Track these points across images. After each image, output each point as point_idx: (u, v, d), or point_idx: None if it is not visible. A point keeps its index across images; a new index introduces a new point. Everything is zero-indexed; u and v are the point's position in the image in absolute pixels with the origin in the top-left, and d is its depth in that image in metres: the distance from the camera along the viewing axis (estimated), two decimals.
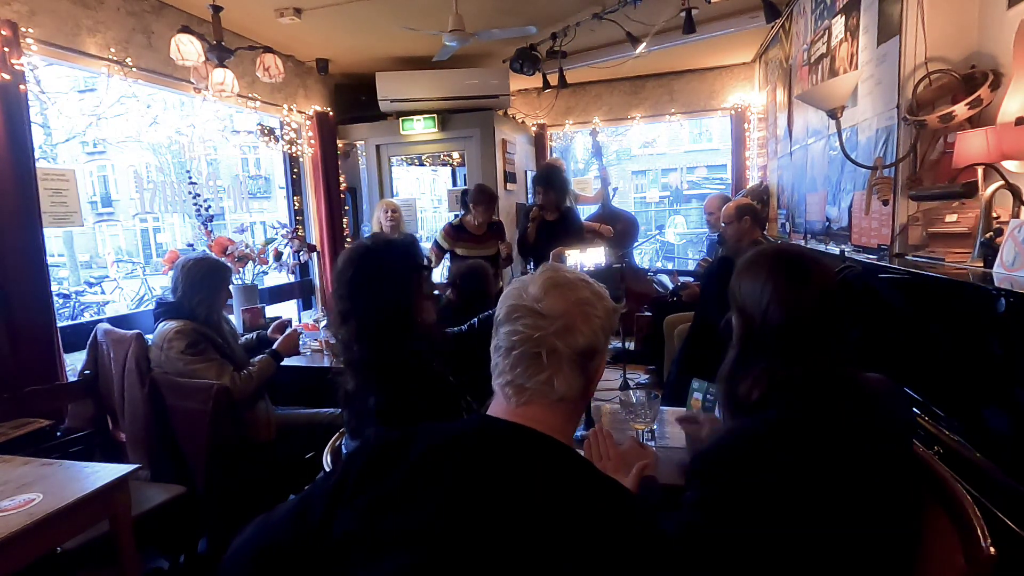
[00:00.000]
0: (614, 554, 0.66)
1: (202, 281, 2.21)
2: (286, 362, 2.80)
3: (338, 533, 0.73)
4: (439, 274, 3.85)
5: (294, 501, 0.81)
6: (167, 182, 3.55)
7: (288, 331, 2.47)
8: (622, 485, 0.77)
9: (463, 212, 3.81)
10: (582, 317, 0.80)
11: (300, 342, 2.52)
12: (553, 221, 3.79)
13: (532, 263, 4.08)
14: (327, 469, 1.41)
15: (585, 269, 1.73)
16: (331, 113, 4.62)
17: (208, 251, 3.26)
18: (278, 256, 3.77)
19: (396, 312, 1.40)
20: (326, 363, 2.81)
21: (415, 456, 0.75)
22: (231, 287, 3.43)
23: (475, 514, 0.69)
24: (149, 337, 2.19)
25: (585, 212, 5.26)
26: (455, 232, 3.68)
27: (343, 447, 1.52)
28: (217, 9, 2.92)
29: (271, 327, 2.64)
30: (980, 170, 1.65)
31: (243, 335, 2.66)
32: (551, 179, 3.76)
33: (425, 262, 1.51)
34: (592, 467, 0.77)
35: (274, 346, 2.39)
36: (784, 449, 0.92)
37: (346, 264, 1.46)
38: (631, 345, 4.15)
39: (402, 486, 0.72)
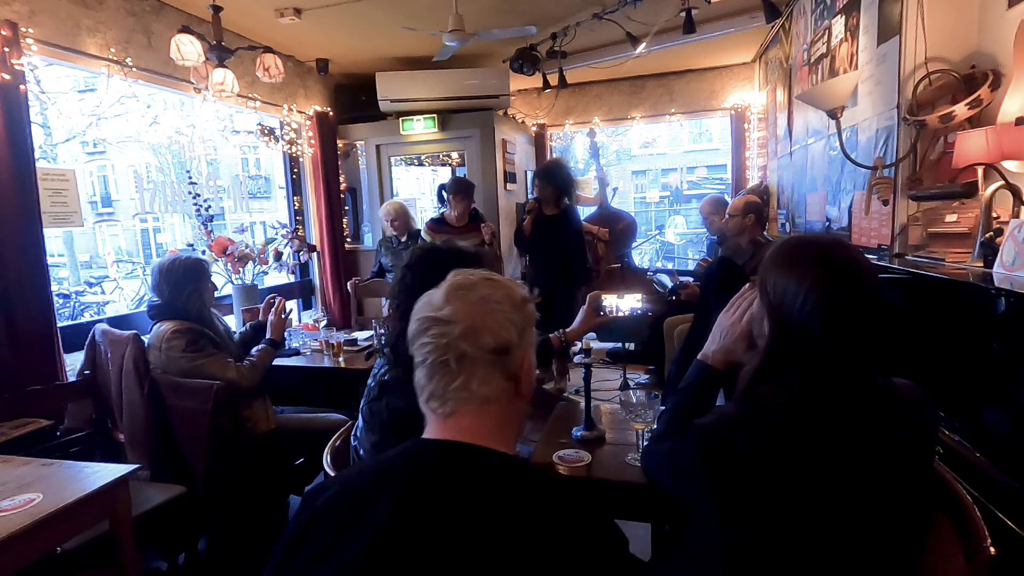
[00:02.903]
0: (535, 564, 0.66)
1: (184, 277, 2.21)
2: (286, 362, 2.81)
3: None
4: None
5: None
6: (167, 182, 3.55)
7: (274, 308, 2.47)
8: (543, 493, 0.76)
9: (441, 207, 3.89)
10: (486, 315, 0.79)
11: (288, 319, 2.54)
12: (552, 216, 3.81)
13: (528, 257, 4.09)
14: (327, 470, 1.41)
15: (621, 313, 1.75)
16: (331, 113, 4.62)
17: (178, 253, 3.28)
18: (278, 256, 3.77)
19: None
20: (326, 363, 2.81)
21: (350, 499, 0.74)
22: (233, 288, 3.49)
23: (405, 550, 0.67)
24: (146, 338, 2.19)
25: (584, 213, 5.27)
26: (436, 226, 3.75)
27: (354, 442, 1.53)
28: (217, 9, 2.92)
29: (261, 308, 2.63)
30: (980, 170, 1.65)
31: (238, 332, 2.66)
32: (550, 173, 3.81)
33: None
34: (529, 475, 0.78)
35: (267, 335, 2.40)
36: (804, 456, 0.87)
37: (416, 258, 1.50)
38: (631, 345, 4.15)
39: (336, 531, 0.71)
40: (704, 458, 0.92)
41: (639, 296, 1.80)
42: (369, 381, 1.54)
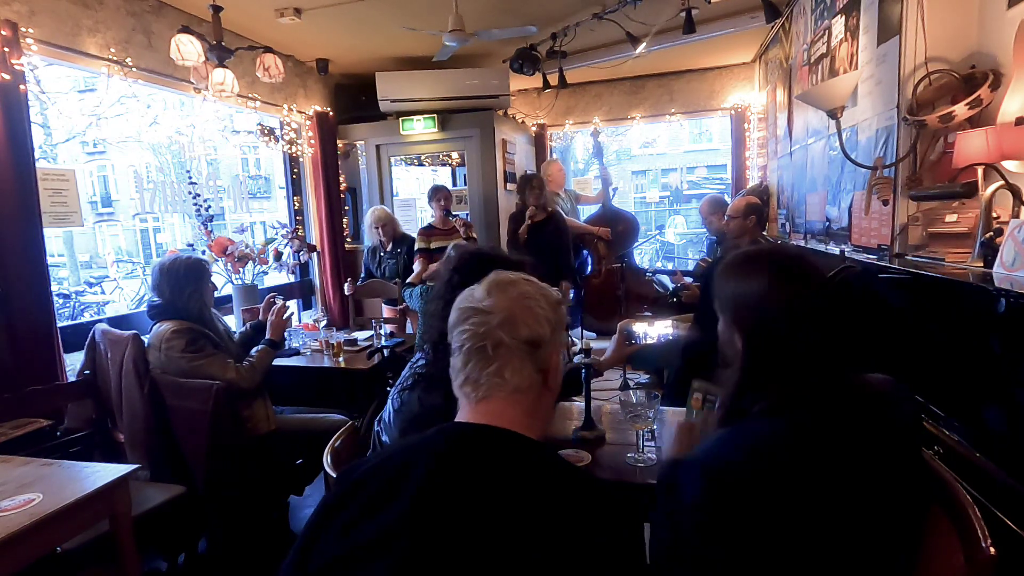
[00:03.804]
0: (574, 545, 0.70)
1: (185, 276, 2.21)
2: (286, 362, 2.81)
3: (318, 564, 0.76)
4: None
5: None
6: (167, 182, 3.55)
7: (275, 309, 2.47)
8: (583, 473, 0.82)
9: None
10: (524, 310, 0.85)
11: (287, 319, 2.53)
12: (540, 222, 3.85)
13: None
14: (327, 470, 1.41)
15: (651, 340, 1.75)
16: (331, 113, 4.62)
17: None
18: (278, 256, 3.77)
19: None
20: (326, 363, 2.81)
21: (385, 470, 0.79)
22: (233, 288, 3.49)
23: (440, 514, 0.72)
24: (146, 338, 2.19)
25: (585, 212, 5.27)
26: (427, 231, 3.83)
27: (377, 424, 1.56)
28: (217, 9, 2.92)
29: (261, 308, 2.63)
30: (980, 170, 1.65)
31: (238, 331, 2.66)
32: (524, 182, 3.95)
33: None
34: (555, 458, 0.81)
35: (267, 335, 2.40)
36: (798, 459, 0.87)
37: (462, 260, 1.55)
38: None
39: (372, 500, 0.76)
40: (707, 492, 0.89)
41: (669, 323, 1.78)
42: (405, 371, 1.57)
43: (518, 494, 0.73)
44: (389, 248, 3.90)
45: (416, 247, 3.78)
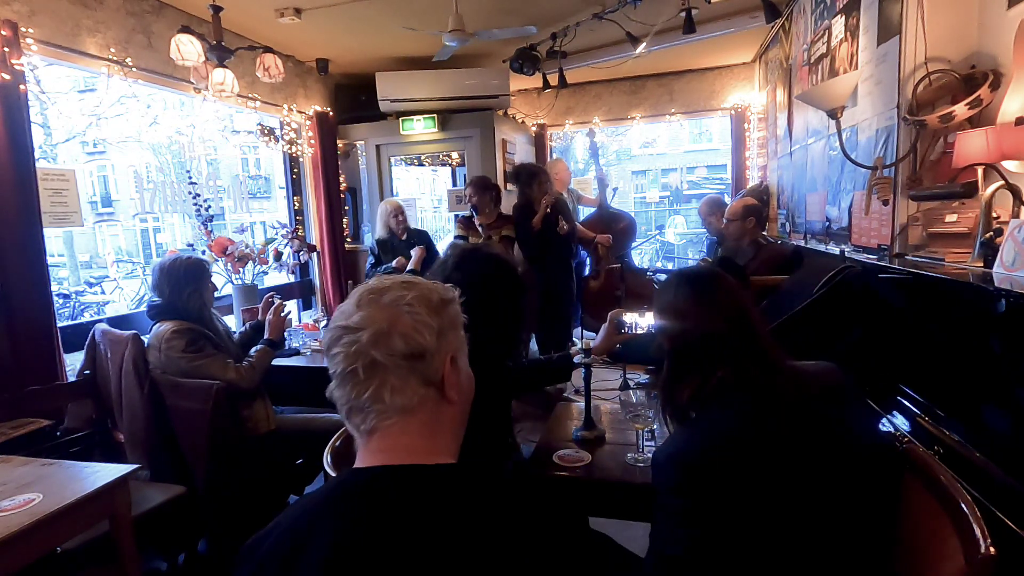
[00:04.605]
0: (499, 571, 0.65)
1: (186, 276, 2.21)
2: (286, 362, 2.81)
3: None
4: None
5: None
6: (167, 182, 3.56)
7: (273, 308, 2.47)
8: (494, 493, 0.74)
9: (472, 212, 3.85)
10: (397, 319, 0.74)
11: (286, 318, 2.53)
12: (548, 213, 3.80)
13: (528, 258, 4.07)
14: (327, 470, 1.41)
15: (640, 330, 1.75)
16: (331, 113, 4.62)
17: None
18: (278, 256, 3.77)
19: (500, 313, 1.49)
20: (326, 363, 2.80)
21: (286, 542, 0.70)
22: (233, 288, 3.49)
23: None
24: (145, 338, 2.19)
25: (583, 213, 5.27)
26: (467, 221, 3.79)
27: None
28: (217, 9, 2.92)
29: (260, 308, 2.62)
30: (980, 170, 1.65)
31: (237, 331, 2.66)
32: (531, 176, 3.80)
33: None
34: (463, 482, 0.74)
35: (265, 335, 2.40)
36: (747, 439, 1.03)
37: (465, 257, 1.57)
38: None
39: (277, 571, 0.68)
40: (681, 477, 1.03)
41: None
42: None
43: (428, 541, 0.65)
44: (404, 238, 3.79)
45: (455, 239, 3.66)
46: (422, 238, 3.80)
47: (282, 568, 0.67)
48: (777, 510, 1.00)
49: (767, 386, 1.08)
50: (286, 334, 2.68)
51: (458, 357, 0.80)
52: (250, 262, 3.53)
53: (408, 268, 3.21)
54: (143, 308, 2.53)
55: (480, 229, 3.74)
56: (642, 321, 1.74)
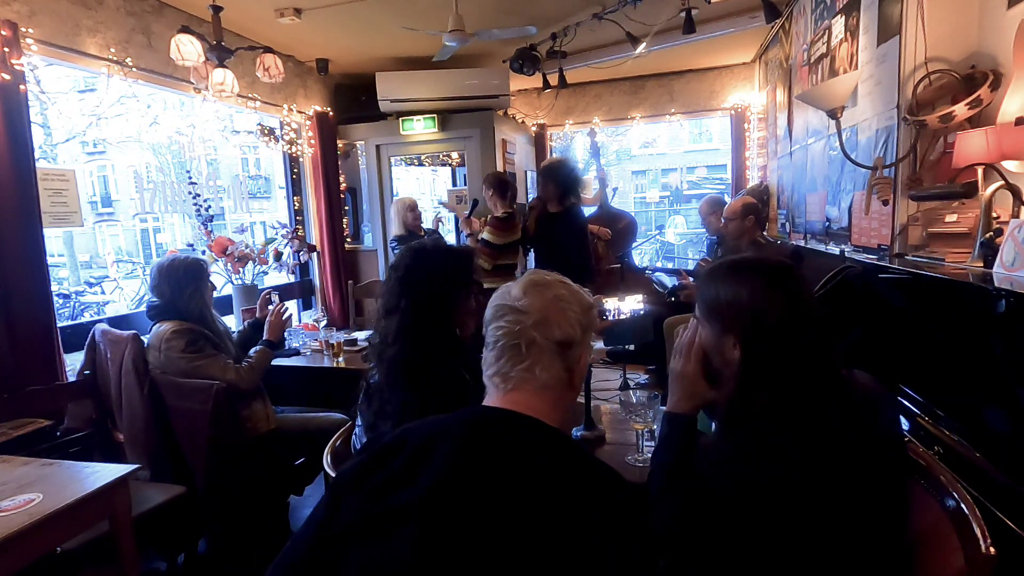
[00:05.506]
0: (591, 529, 0.72)
1: (185, 276, 2.21)
2: (286, 362, 2.81)
3: (340, 525, 0.78)
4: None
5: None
6: (167, 182, 3.55)
7: (273, 310, 2.47)
8: (604, 466, 0.82)
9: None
10: (558, 312, 0.89)
11: (286, 320, 2.52)
12: (555, 214, 3.78)
13: (533, 253, 4.08)
14: (327, 470, 1.41)
15: (623, 316, 1.76)
16: (331, 113, 4.62)
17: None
18: (278, 256, 3.77)
19: (439, 317, 1.41)
20: (326, 363, 2.81)
21: (413, 443, 0.81)
22: (233, 288, 3.49)
23: (464, 490, 0.74)
24: (145, 338, 2.19)
25: (584, 213, 5.26)
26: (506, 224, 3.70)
27: (354, 440, 1.53)
28: (217, 9, 2.92)
29: (258, 305, 2.61)
30: (980, 170, 1.65)
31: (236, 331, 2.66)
32: (552, 171, 3.74)
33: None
34: (576, 447, 0.85)
35: (264, 336, 2.40)
36: (807, 472, 0.91)
37: (403, 259, 1.48)
38: (631, 347, 4.14)
39: (399, 471, 0.78)
40: (738, 503, 0.93)
41: (640, 297, 1.80)
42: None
43: (536, 481, 0.75)
44: (422, 235, 3.75)
45: (486, 238, 3.50)
46: (435, 235, 3.82)
47: (399, 471, 0.78)
48: (824, 533, 0.92)
49: (831, 409, 0.95)
50: (286, 334, 2.68)
51: (587, 353, 0.94)
52: (250, 262, 3.53)
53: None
54: (143, 308, 2.53)
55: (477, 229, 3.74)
56: (623, 306, 1.75)
